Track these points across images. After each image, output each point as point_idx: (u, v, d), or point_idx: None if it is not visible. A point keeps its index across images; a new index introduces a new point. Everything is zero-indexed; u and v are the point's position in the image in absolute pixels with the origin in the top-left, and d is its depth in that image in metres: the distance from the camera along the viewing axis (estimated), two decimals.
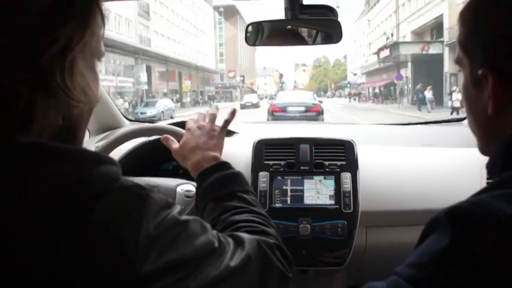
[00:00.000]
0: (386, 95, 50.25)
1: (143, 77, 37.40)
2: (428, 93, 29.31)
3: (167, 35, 49.48)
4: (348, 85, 77.55)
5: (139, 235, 0.61)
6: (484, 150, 0.83)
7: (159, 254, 0.63)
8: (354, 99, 61.38)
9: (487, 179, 1.71)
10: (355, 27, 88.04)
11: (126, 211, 0.63)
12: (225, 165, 1.19)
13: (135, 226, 0.62)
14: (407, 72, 41.91)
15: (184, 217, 0.72)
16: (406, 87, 42.43)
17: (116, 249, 0.60)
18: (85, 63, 0.69)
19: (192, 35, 60.64)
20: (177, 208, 0.71)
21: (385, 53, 43.89)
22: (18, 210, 0.58)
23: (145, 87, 38.75)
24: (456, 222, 0.60)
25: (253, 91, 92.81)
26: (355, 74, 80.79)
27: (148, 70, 39.22)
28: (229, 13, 79.41)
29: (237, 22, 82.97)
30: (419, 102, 30.39)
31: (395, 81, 40.34)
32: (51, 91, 0.64)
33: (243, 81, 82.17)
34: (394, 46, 40.70)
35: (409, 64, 40.41)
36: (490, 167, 0.76)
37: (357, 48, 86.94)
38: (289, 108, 18.21)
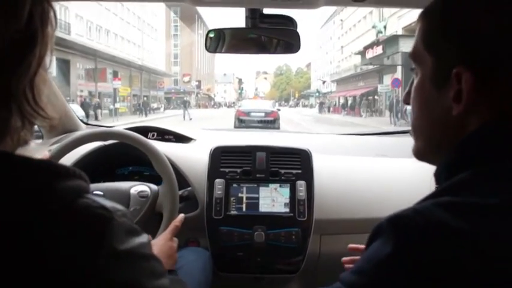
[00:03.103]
0: (364, 105, 40.99)
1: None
2: None
3: (97, 23, 38.89)
4: (317, 94, 70.68)
5: (98, 254, 0.59)
6: (423, 155, 0.82)
7: (115, 275, 0.61)
8: (325, 110, 52.95)
9: (436, 188, 1.77)
10: (321, 32, 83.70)
11: (86, 230, 0.60)
12: None
13: (95, 245, 0.59)
14: (393, 78, 32.15)
15: (149, 252, 0.70)
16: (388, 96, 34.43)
17: (75, 266, 0.58)
18: (44, 77, 0.68)
19: (135, 28, 49.88)
20: (145, 237, 0.69)
21: (376, 51, 35.01)
22: None
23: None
24: (398, 229, 0.61)
25: (210, 98, 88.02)
26: (324, 82, 72.44)
27: (66, 65, 29.86)
28: (187, 12, 70.53)
29: (195, 23, 76.49)
30: (398, 114, 26.37)
31: (391, 88, 31.72)
32: (23, 112, 0.63)
33: (198, 86, 75.16)
34: (391, 41, 31.43)
35: (399, 68, 30.72)
36: (437, 175, 0.76)
37: (323, 55, 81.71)
38: (252, 114, 21.09)
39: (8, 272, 0.55)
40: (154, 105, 48.82)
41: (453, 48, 0.70)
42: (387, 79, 34.80)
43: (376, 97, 40.11)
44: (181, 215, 1.44)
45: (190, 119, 31.66)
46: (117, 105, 34.18)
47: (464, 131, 0.70)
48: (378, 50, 34.39)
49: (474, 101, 0.68)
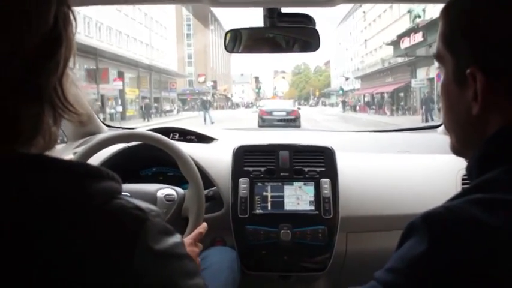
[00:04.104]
0: (388, 103, 37.84)
1: None
2: None
3: (97, 19, 34.53)
4: (340, 91, 65.62)
5: (134, 254, 0.60)
6: (458, 150, 0.82)
7: (151, 274, 0.62)
8: (348, 109, 48.88)
9: (462, 183, 1.75)
10: (340, 28, 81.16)
11: (123, 232, 0.61)
12: None
13: (131, 245, 0.61)
14: (429, 72, 30.19)
15: (183, 251, 0.71)
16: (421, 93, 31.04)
17: (111, 266, 0.59)
18: (70, 77, 0.71)
19: (142, 25, 45.63)
20: (178, 237, 0.70)
21: (414, 39, 29.84)
22: (14, 223, 0.57)
23: None
24: (433, 227, 0.61)
25: (227, 98, 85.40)
26: (347, 79, 68.99)
27: None
28: (200, 11, 65.36)
29: (209, 21, 73.78)
30: (429, 112, 24.36)
31: (427, 84, 29.31)
32: (55, 108, 0.66)
33: (214, 87, 71.49)
34: (434, 26, 24.14)
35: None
36: (468, 170, 0.76)
37: (342, 52, 78.42)
38: (274, 113, 22.53)
39: (45, 272, 0.56)
40: (167, 107, 46.98)
41: (468, 48, 0.71)
42: (421, 73, 32.04)
43: (406, 93, 37.16)
44: (205, 224, 1.44)
45: (212, 122, 28.85)
46: (119, 108, 31.25)
47: (487, 129, 0.71)
48: (417, 37, 29.35)
49: (491, 100, 0.69)
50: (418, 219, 0.64)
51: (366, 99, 50.82)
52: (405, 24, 34.84)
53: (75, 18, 0.70)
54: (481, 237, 0.57)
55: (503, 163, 0.66)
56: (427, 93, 27.17)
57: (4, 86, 0.60)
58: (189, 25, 74.29)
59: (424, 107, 25.44)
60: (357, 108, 47.74)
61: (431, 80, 29.35)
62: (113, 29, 37.54)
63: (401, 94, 38.59)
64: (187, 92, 66.60)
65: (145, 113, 32.92)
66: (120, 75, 33.91)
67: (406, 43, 31.29)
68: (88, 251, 0.58)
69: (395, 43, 33.85)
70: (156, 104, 43.80)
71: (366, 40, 56.77)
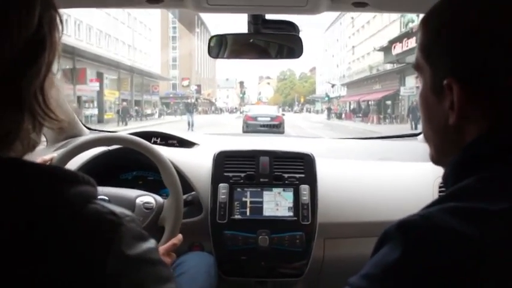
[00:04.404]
0: (375, 111, 37.30)
1: None
2: None
3: (76, 17, 33.17)
4: (326, 98, 64.88)
5: (107, 259, 0.60)
6: (436, 160, 0.83)
7: (123, 280, 0.62)
8: (333, 116, 47.31)
9: (439, 191, 1.78)
10: (327, 35, 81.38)
11: (97, 237, 0.61)
12: None
13: (104, 251, 0.60)
14: (417, 80, 31.56)
15: (157, 257, 0.70)
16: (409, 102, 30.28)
17: (84, 271, 0.59)
18: (53, 82, 0.69)
19: (125, 26, 43.78)
20: (152, 242, 0.70)
21: (407, 44, 28.83)
22: None
23: None
24: (407, 235, 0.61)
25: (211, 103, 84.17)
26: (333, 85, 67.85)
27: None
28: (186, 14, 55.95)
29: (195, 25, 71.64)
30: (416, 121, 23.50)
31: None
32: (35, 115, 0.65)
33: (198, 91, 69.73)
34: None
35: None
36: (444, 178, 0.76)
37: (329, 58, 78.42)
38: (259, 118, 23.01)
39: (17, 278, 0.56)
40: (148, 111, 45.42)
41: (444, 59, 0.72)
42: (410, 80, 31.47)
43: (394, 102, 36.42)
44: (180, 236, 1.43)
45: (192, 125, 27.93)
46: (92, 111, 30.03)
47: (464, 138, 0.71)
48: (410, 43, 28.24)
49: (467, 110, 0.70)
50: (393, 226, 0.64)
51: (351, 106, 50.27)
52: (395, 30, 34.51)
53: (61, 22, 0.69)
54: (455, 245, 0.57)
55: (478, 171, 0.67)
56: (415, 102, 26.45)
57: None
58: (174, 27, 73.27)
59: (411, 115, 25.31)
60: (343, 115, 46.94)
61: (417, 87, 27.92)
62: (93, 27, 36.35)
63: (389, 102, 38.12)
64: (171, 95, 65.36)
65: (122, 116, 31.21)
66: (99, 76, 32.86)
67: (398, 49, 30.78)
68: (61, 255, 0.58)
69: (387, 49, 33.29)
70: (137, 107, 42.55)
71: (353, 46, 56.49)
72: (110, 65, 35.24)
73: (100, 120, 30.60)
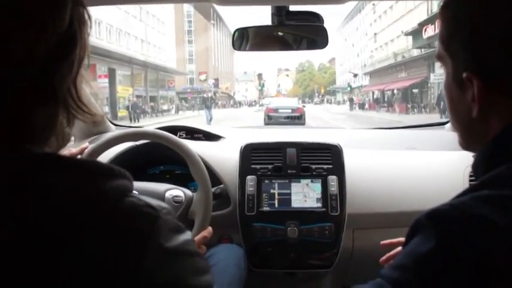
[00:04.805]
0: (398, 100, 35.49)
1: None
2: None
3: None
4: (348, 88, 61.54)
5: (146, 251, 0.61)
6: (465, 147, 0.83)
7: (162, 272, 0.62)
8: (355, 107, 46.00)
9: (470, 180, 1.75)
10: (346, 25, 79.42)
11: (134, 230, 0.62)
12: None
13: (142, 243, 0.61)
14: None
15: (194, 249, 0.71)
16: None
17: (123, 264, 0.60)
18: (84, 78, 0.71)
19: (136, 19, 41.89)
20: (188, 234, 0.70)
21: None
22: (28, 222, 0.57)
23: None
24: (439, 225, 0.61)
25: (229, 97, 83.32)
26: (355, 75, 66.01)
27: None
28: (201, 7, 56.86)
29: (210, 16, 69.51)
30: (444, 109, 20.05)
31: None
32: (69, 109, 0.67)
33: (216, 85, 67.58)
34: None
35: None
36: (475, 167, 0.76)
37: (348, 48, 76.63)
38: (280, 110, 23.49)
39: (58, 271, 0.57)
40: (164, 107, 44.65)
41: (462, 53, 0.72)
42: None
43: (422, 90, 34.32)
44: (210, 229, 1.44)
45: (211, 119, 27.41)
46: (105, 108, 28.18)
47: (488, 128, 0.71)
48: None
49: (489, 102, 0.70)
50: (424, 216, 0.64)
51: (374, 96, 48.87)
52: (421, 14, 31.80)
53: (90, 18, 0.70)
54: (488, 234, 0.57)
55: (509, 160, 0.66)
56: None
57: (19, 86, 0.61)
58: (190, 21, 72.20)
59: (442, 103, 22.85)
60: (366, 106, 45.26)
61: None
62: (103, 22, 34.87)
63: (416, 91, 36.16)
64: (188, 90, 64.11)
65: (132, 113, 30.19)
66: (111, 73, 32.19)
67: (429, 32, 27.82)
68: (100, 249, 0.59)
69: (416, 32, 30.78)
70: (152, 103, 41.39)
71: (375, 34, 54.32)
72: (122, 60, 34.64)
73: (113, 118, 29.35)
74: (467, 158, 1.86)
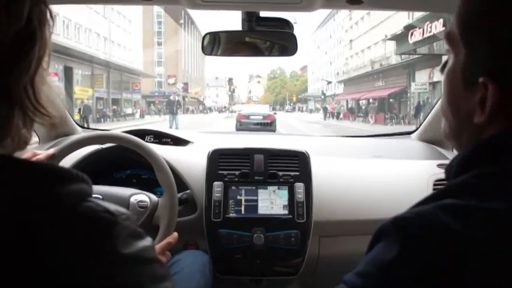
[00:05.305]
0: (373, 109, 33.88)
1: None
2: None
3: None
4: (322, 96, 58.60)
5: (103, 258, 0.59)
6: (449, 137, 0.78)
7: (119, 279, 0.61)
8: (329, 116, 43.94)
9: (434, 189, 1.78)
10: (318, 33, 79.56)
11: (91, 234, 0.60)
12: None
13: (99, 250, 0.60)
14: (432, 75, 25.48)
15: (153, 255, 0.70)
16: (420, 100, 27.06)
17: (79, 269, 0.58)
18: (44, 77, 0.68)
19: (99, 15, 38.71)
20: (148, 240, 0.69)
21: (430, 29, 23.30)
22: None
23: None
24: (403, 232, 0.61)
25: (199, 102, 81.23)
26: (329, 82, 64.91)
27: None
28: (172, 9, 59.05)
29: (182, 20, 67.77)
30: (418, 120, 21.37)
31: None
32: (25, 110, 0.64)
33: (185, 89, 65.94)
34: None
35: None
36: (448, 170, 0.74)
37: (321, 56, 76.28)
38: (252, 117, 23.84)
39: (11, 277, 0.55)
40: (128, 111, 41.93)
41: (483, 49, 0.65)
42: (421, 76, 28.02)
43: (400, 100, 32.92)
44: (175, 234, 1.41)
45: (176, 128, 23.75)
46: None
47: (482, 132, 0.69)
48: (435, 26, 22.35)
49: (498, 111, 0.65)
50: (388, 223, 0.63)
51: (348, 105, 46.71)
52: (403, 19, 30.02)
53: (52, 17, 0.68)
54: (451, 244, 0.57)
55: (479, 166, 0.65)
56: (427, 100, 24.19)
57: None
58: (160, 22, 70.20)
59: (421, 115, 21.94)
60: (341, 115, 42.94)
61: (434, 84, 24.81)
62: (60, 15, 31.54)
63: (392, 100, 34.86)
64: (156, 93, 60.97)
65: (83, 117, 26.26)
66: (68, 72, 29.46)
67: (416, 36, 25.23)
68: (56, 253, 0.57)
69: (401, 37, 28.46)
70: (114, 107, 38.37)
71: (351, 40, 52.70)
72: (81, 58, 31.56)
73: None
74: (432, 167, 1.90)
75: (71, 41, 32.36)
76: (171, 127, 23.66)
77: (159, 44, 70.76)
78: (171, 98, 23.40)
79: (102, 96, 36.32)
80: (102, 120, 31.32)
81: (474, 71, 0.66)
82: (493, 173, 0.63)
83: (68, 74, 29.70)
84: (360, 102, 42.67)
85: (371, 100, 38.05)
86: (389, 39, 32.61)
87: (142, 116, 43.65)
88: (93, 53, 34.05)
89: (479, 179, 0.64)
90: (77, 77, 32.71)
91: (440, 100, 0.81)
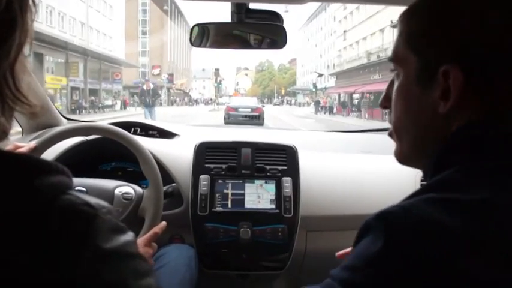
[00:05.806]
0: (366, 104, 32.83)
1: None
2: None
3: None
4: (314, 89, 57.36)
5: (82, 254, 0.57)
6: (408, 156, 0.81)
7: (100, 276, 0.59)
8: (321, 110, 41.94)
9: (421, 184, 1.78)
10: (308, 25, 78.59)
11: (70, 229, 0.57)
12: None
13: (79, 245, 0.57)
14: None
15: (134, 250, 0.67)
16: None
17: (58, 265, 0.56)
18: (24, 65, 0.66)
19: None
20: (130, 235, 0.66)
21: None
22: None
23: None
24: (388, 226, 0.61)
25: (185, 94, 79.73)
26: (320, 75, 63.06)
27: None
28: None
29: (166, 5, 60.85)
30: None
31: None
32: (4, 98, 0.61)
33: (170, 80, 64.39)
34: None
35: None
36: (424, 172, 0.76)
37: (311, 48, 75.11)
38: (240, 109, 23.78)
39: None
40: (107, 102, 39.67)
41: (440, 47, 0.70)
42: None
43: None
44: (162, 224, 1.40)
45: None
46: None
47: (449, 130, 0.70)
48: None
49: (464, 98, 0.68)
50: (373, 217, 0.64)
51: (341, 99, 45.71)
52: (401, 9, 30.22)
53: (34, 4, 0.66)
54: (437, 236, 0.58)
55: (460, 163, 0.67)
56: None
57: None
58: (145, 10, 67.80)
59: None
60: (334, 110, 41.19)
61: None
62: None
63: None
64: (140, 84, 57.98)
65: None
66: (38, 58, 27.43)
67: None
68: (33, 248, 0.55)
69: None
70: (92, 98, 36.31)
71: (345, 31, 50.56)
72: (53, 44, 28.92)
73: None
74: None
75: (42, 24, 30.83)
76: (146, 118, 20.67)
77: (144, 33, 68.98)
78: (144, 87, 18.11)
79: (77, 86, 34.53)
80: (78, 111, 29.57)
81: (431, 68, 0.71)
82: (471, 167, 0.65)
83: (37, 61, 28.00)
84: (353, 96, 41.82)
85: (365, 95, 36.75)
86: (392, 26, 31.94)
87: (124, 107, 41.76)
88: (67, 39, 31.99)
89: (460, 174, 0.65)
90: (49, 64, 31.33)
91: (393, 121, 0.82)
